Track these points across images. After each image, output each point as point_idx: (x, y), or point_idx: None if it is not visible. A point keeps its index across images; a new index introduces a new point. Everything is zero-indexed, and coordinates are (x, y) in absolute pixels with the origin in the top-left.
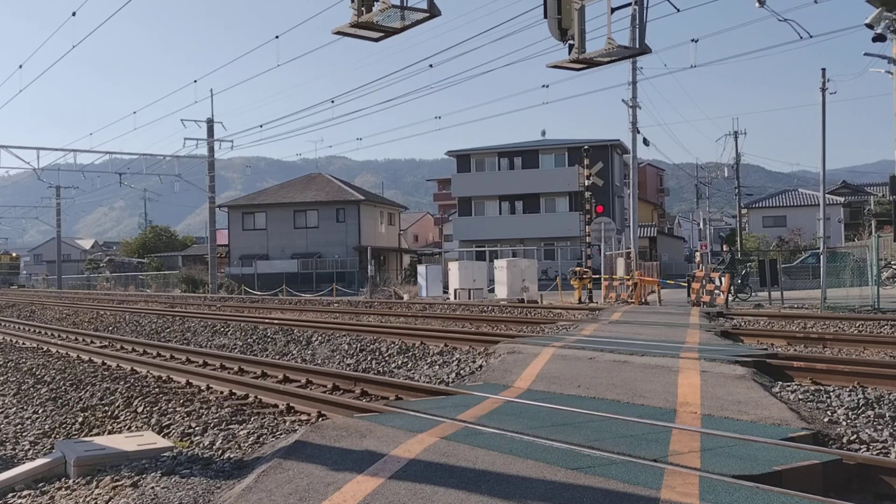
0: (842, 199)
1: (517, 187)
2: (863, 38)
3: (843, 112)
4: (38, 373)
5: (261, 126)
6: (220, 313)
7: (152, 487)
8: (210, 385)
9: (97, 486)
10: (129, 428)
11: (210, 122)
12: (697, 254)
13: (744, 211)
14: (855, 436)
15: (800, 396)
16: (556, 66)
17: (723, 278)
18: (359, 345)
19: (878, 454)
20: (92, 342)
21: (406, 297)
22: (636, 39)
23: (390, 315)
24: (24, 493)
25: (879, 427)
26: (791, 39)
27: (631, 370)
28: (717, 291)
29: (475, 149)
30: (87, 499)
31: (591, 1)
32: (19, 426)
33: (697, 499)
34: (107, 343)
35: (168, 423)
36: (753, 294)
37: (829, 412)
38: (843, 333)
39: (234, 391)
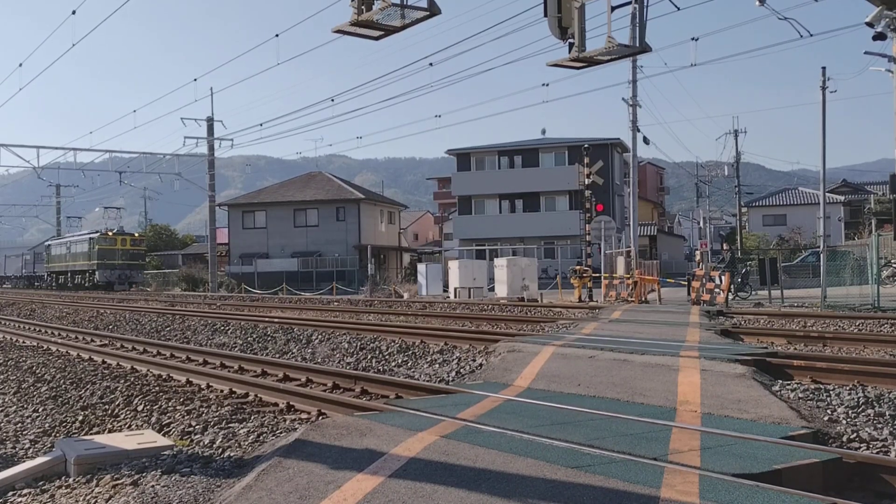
0: (842, 198)
1: (517, 186)
2: (863, 37)
3: (844, 111)
4: (38, 371)
5: (261, 125)
6: (220, 312)
7: (152, 486)
8: (210, 384)
9: (97, 485)
10: (130, 426)
11: (210, 121)
12: (697, 252)
13: (744, 209)
14: (855, 434)
15: (800, 395)
16: (556, 65)
17: (723, 277)
18: (359, 343)
19: (878, 453)
20: (92, 341)
21: (406, 295)
22: (636, 38)
23: (390, 314)
24: (25, 491)
25: (879, 426)
26: (791, 38)
27: (631, 369)
28: (717, 290)
29: (475, 147)
30: (88, 497)
31: None
32: (19, 425)
33: (697, 497)
34: (107, 342)
35: (168, 421)
36: (753, 293)
37: (829, 411)
38: (843, 332)
39: (234, 390)
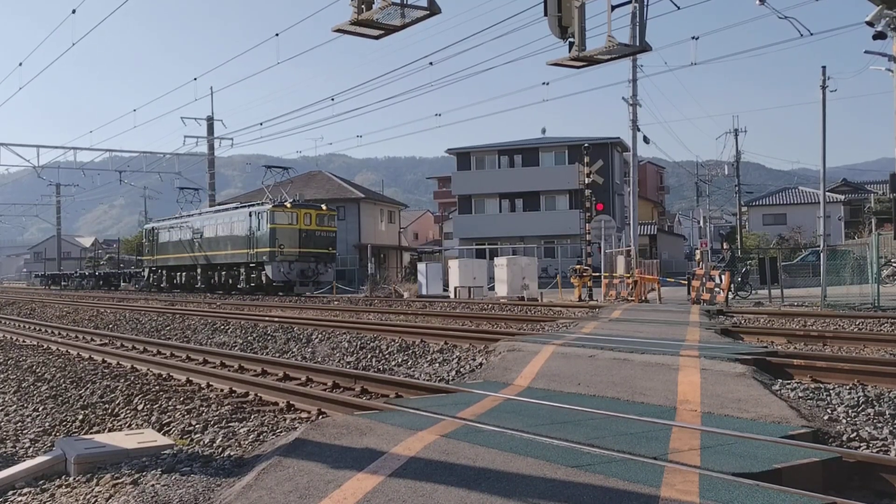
0: (842, 197)
1: (517, 185)
2: (863, 36)
3: (844, 110)
4: (38, 370)
5: (261, 124)
6: (220, 311)
7: (152, 485)
8: (210, 383)
9: (97, 484)
10: (130, 426)
11: (210, 120)
12: (697, 252)
13: (744, 209)
14: (855, 433)
15: (800, 394)
16: (556, 64)
17: (723, 276)
18: (359, 343)
19: (877, 452)
20: (92, 340)
21: (406, 294)
22: (636, 37)
23: (390, 313)
24: (25, 490)
25: (879, 425)
26: (791, 37)
27: (631, 368)
28: (717, 289)
29: (475, 146)
30: (88, 496)
31: None
32: (19, 424)
33: (697, 497)
34: (107, 341)
35: (168, 420)
36: (753, 292)
37: (828, 410)
38: (843, 331)
39: (234, 389)
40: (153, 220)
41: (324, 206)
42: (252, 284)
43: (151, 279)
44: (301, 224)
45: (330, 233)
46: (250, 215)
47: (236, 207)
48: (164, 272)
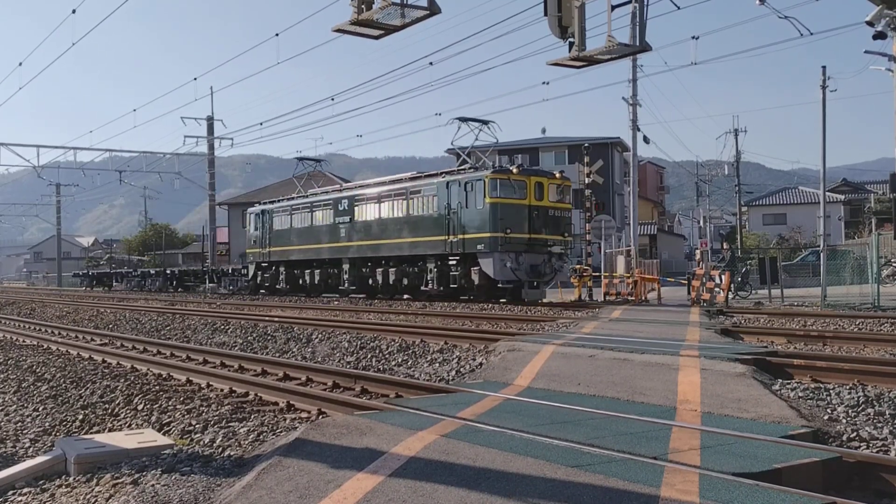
0: (842, 197)
1: None
2: (863, 36)
3: (844, 110)
4: (38, 370)
5: (261, 124)
6: (220, 311)
7: (153, 485)
8: (210, 383)
9: (97, 484)
10: (130, 426)
11: (210, 120)
12: (697, 252)
13: (744, 209)
14: (855, 433)
15: (800, 394)
16: (556, 64)
17: (723, 276)
18: (359, 342)
19: (877, 452)
20: (92, 340)
21: (406, 294)
22: (636, 37)
23: (390, 312)
24: (25, 490)
25: (879, 425)
26: (791, 37)
27: (631, 368)
28: (717, 289)
29: (475, 146)
30: (88, 496)
31: None
32: (19, 424)
33: (697, 497)
34: (107, 341)
35: (168, 420)
36: (753, 292)
37: (828, 410)
38: (843, 331)
39: (234, 389)
40: (262, 201)
41: (557, 174)
42: (453, 286)
43: (261, 279)
44: (531, 199)
45: (565, 212)
46: (447, 186)
47: (413, 178)
48: (282, 269)
